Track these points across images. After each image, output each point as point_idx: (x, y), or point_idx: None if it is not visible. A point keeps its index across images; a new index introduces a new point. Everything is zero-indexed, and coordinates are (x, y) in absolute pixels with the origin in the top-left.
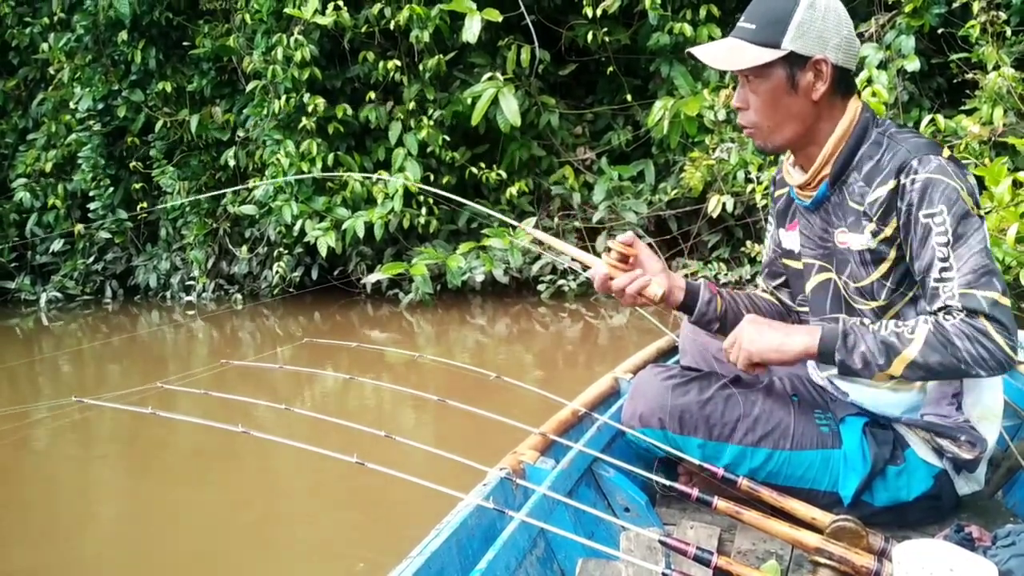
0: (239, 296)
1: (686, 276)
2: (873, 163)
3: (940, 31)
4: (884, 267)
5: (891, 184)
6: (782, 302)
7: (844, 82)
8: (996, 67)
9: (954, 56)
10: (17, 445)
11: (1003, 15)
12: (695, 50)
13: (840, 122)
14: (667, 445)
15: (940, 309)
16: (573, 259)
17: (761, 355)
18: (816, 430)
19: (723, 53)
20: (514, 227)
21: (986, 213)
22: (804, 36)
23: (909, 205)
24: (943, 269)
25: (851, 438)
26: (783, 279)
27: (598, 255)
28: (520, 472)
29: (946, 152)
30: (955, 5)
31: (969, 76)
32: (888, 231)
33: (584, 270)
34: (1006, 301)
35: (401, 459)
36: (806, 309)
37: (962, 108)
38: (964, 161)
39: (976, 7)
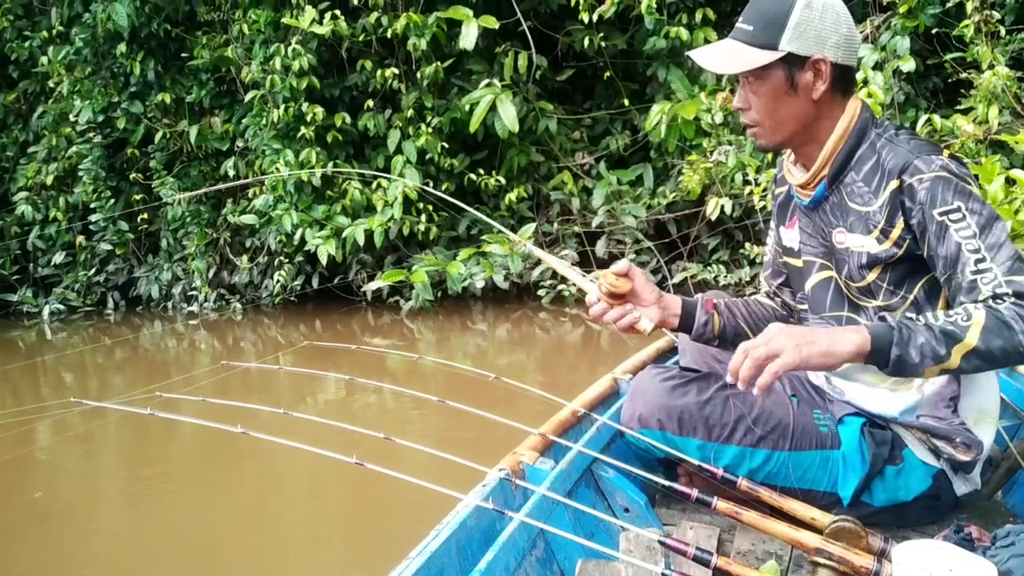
0: (238, 305)
1: (686, 280)
2: (872, 164)
3: (935, 31)
4: (879, 269)
5: (894, 184)
6: (785, 302)
7: (844, 80)
8: (991, 66)
9: (949, 56)
10: (18, 450)
11: (997, 14)
12: (693, 53)
13: (840, 121)
14: (666, 446)
15: (987, 298)
16: (570, 282)
17: (806, 362)
18: (815, 430)
19: (720, 57)
20: (513, 238)
21: None
22: (801, 36)
23: (921, 204)
24: (978, 261)
25: (850, 438)
26: (785, 278)
27: (598, 258)
28: (519, 473)
29: (946, 152)
30: (949, 5)
31: (964, 75)
32: (895, 232)
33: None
34: None
35: (401, 460)
36: (805, 307)
37: (958, 108)
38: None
39: (970, 7)
